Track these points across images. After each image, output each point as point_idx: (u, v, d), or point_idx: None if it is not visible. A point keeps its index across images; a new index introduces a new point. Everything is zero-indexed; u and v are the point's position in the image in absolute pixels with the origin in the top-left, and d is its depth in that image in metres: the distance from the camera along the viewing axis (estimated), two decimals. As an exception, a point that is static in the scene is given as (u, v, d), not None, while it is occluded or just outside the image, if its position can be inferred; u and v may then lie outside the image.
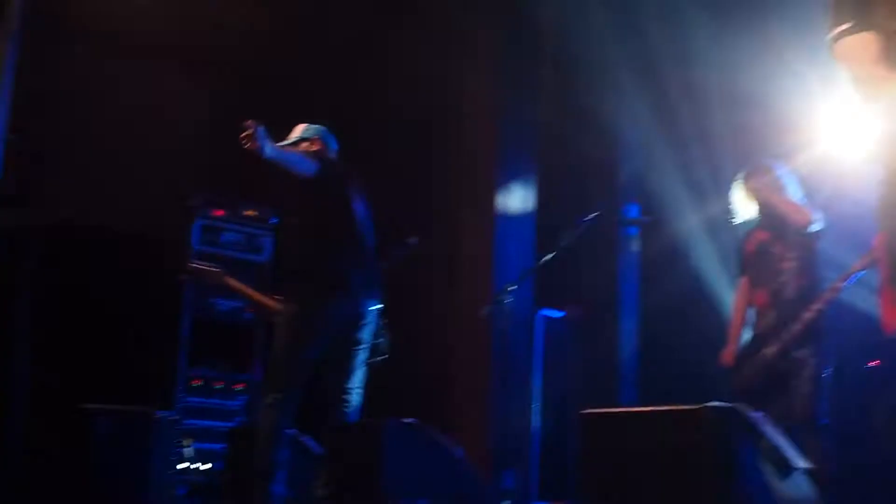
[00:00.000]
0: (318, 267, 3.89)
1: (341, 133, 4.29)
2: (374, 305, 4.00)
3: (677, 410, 2.61)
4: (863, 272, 3.93)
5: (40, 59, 4.49)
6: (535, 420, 6.19)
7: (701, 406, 2.52)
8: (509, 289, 4.50)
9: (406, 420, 3.42)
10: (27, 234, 4.96)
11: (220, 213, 5.87)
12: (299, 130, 4.21)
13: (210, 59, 6.76)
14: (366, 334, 3.99)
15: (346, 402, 3.92)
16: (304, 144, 4.14)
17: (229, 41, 6.36)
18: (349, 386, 3.95)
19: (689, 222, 6.11)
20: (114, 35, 6.03)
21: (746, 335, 4.27)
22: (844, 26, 2.49)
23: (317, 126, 4.22)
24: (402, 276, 4.73)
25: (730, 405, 2.56)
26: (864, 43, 2.48)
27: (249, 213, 5.98)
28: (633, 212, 6.61)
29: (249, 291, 4.86)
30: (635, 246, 6.67)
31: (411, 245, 4.60)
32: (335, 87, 6.57)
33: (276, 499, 3.73)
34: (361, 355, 3.98)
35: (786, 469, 2.60)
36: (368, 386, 4.07)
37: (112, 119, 6.30)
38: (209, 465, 5.51)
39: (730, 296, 4.58)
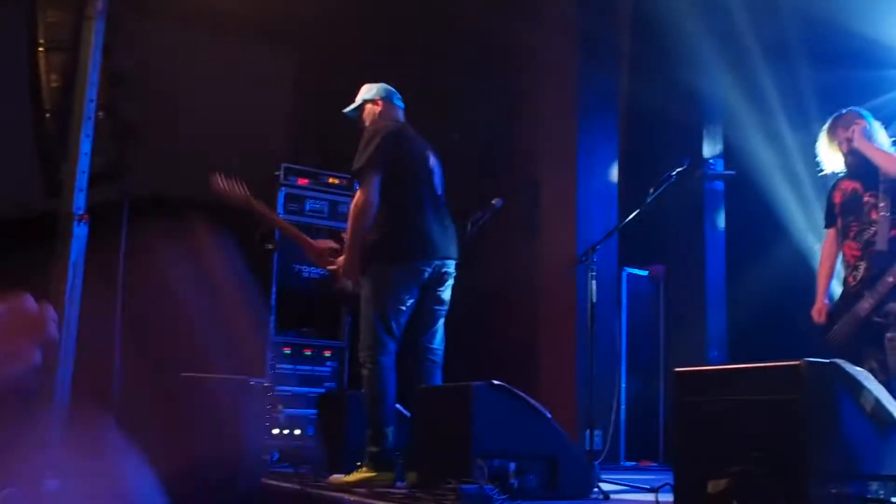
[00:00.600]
0: (396, 231, 3.91)
1: (425, 101, 4.28)
2: (453, 265, 4.02)
3: (774, 367, 2.55)
4: None
5: (127, 36, 4.59)
6: (624, 380, 6.16)
7: (800, 362, 2.47)
8: (594, 248, 4.46)
9: (494, 382, 3.43)
10: (119, 209, 5.11)
11: (304, 181, 5.96)
12: (364, 92, 4.21)
13: (294, 28, 6.81)
14: (446, 294, 4.01)
15: (431, 361, 3.96)
16: (368, 106, 4.16)
17: (312, 11, 6.39)
18: (432, 346, 3.98)
19: (774, 177, 5.96)
20: (198, 9, 6.12)
21: (836, 289, 4.16)
22: None
23: (380, 85, 4.21)
24: (487, 239, 4.74)
25: (829, 360, 2.50)
26: None
27: (333, 181, 6.05)
28: (718, 167, 6.48)
29: (278, 219, 4.73)
30: (720, 202, 6.55)
31: (496, 207, 4.60)
32: (418, 55, 6.56)
33: (385, 464, 3.80)
34: (441, 316, 4.01)
35: (888, 424, 2.54)
36: (457, 348, 4.10)
37: (198, 92, 6.43)
38: (300, 431, 5.65)
39: (817, 249, 4.47)
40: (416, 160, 4.03)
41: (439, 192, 4.10)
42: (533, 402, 3.51)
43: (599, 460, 5.27)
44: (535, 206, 6.33)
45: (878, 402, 2.51)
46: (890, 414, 2.52)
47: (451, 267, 4.01)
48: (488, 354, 5.76)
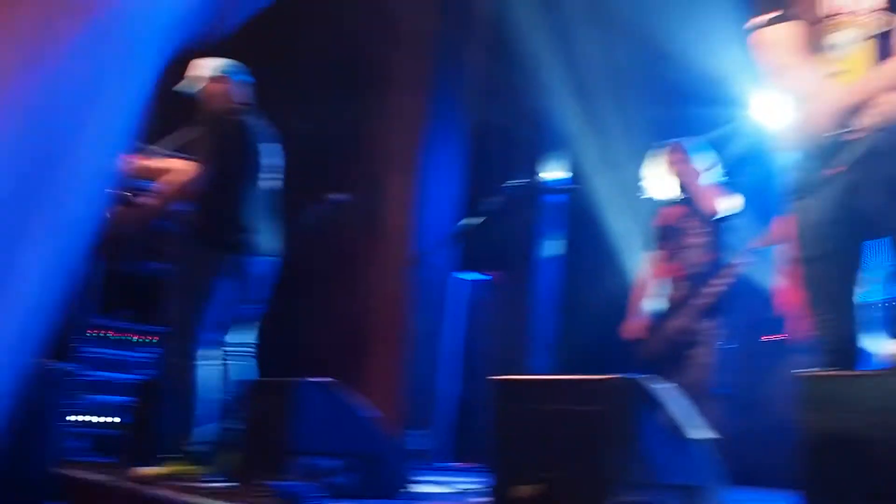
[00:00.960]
0: (222, 223, 3.82)
1: (274, 90, 4.17)
2: (276, 262, 3.95)
3: (584, 380, 2.66)
4: (764, 250, 4.10)
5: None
6: (455, 383, 6.25)
7: (606, 377, 2.58)
8: (431, 251, 4.50)
9: (319, 379, 3.40)
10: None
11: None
12: (207, 68, 4.04)
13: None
14: (260, 292, 3.93)
15: (230, 357, 3.88)
16: (211, 85, 4.01)
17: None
18: (230, 340, 3.91)
19: (609, 194, 6.23)
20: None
21: (661, 305, 4.38)
22: (772, 15, 2.55)
23: (224, 61, 4.04)
24: (325, 234, 4.68)
25: (634, 377, 2.62)
26: (790, 31, 2.54)
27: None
28: (557, 181, 6.68)
29: None
30: (559, 216, 6.76)
31: (336, 202, 4.54)
32: (269, 43, 6.40)
33: (197, 458, 3.70)
34: (249, 311, 3.93)
35: (682, 439, 2.68)
36: (288, 343, 4.04)
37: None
38: (112, 419, 5.39)
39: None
40: (256, 153, 3.93)
41: (276, 185, 4.02)
42: (357, 400, 3.50)
43: (424, 460, 5.33)
44: (376, 206, 6.31)
45: (672, 417, 2.65)
46: (682, 428, 2.67)
47: (272, 265, 3.94)
48: (318, 351, 5.69)
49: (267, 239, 3.90)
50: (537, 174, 5.51)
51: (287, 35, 6.42)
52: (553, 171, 6.32)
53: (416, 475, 3.88)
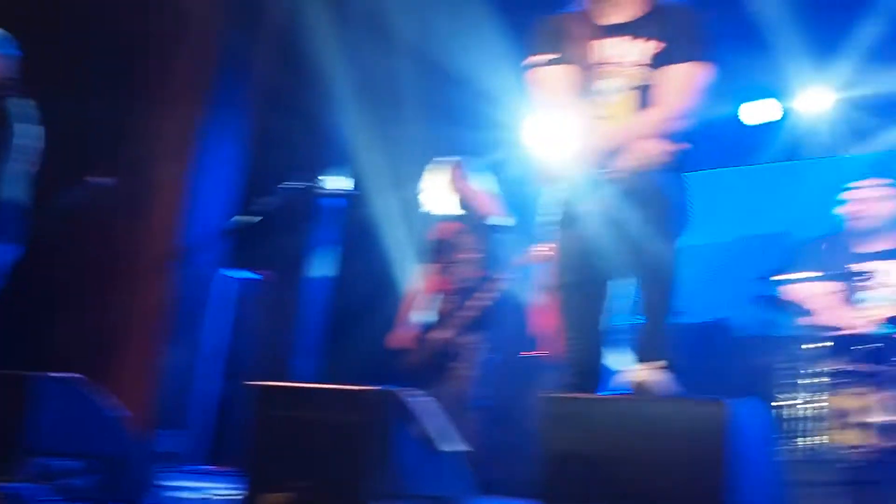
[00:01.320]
0: None
1: (38, 59, 3.88)
2: (16, 251, 3.69)
3: (341, 390, 2.69)
4: (527, 267, 4.34)
5: None
6: (215, 383, 6.07)
7: (363, 388, 2.61)
8: (198, 246, 4.37)
9: (60, 374, 3.19)
10: None
11: None
12: None
13: None
14: None
15: None
16: None
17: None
18: None
19: (387, 206, 6.33)
20: None
21: (430, 318, 4.48)
22: (549, 56, 2.71)
23: None
24: (83, 219, 4.42)
25: (390, 388, 2.66)
26: (563, 74, 2.71)
27: None
28: (336, 189, 6.69)
29: None
30: (334, 221, 6.77)
31: (98, 186, 4.28)
32: (36, 13, 5.94)
33: None
34: None
35: (435, 451, 2.76)
36: (32, 338, 3.76)
37: None
38: None
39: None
40: (12, 133, 3.65)
41: (31, 169, 3.75)
42: (103, 398, 3.32)
43: (175, 463, 5.14)
44: (142, 195, 6.03)
45: (426, 430, 2.72)
46: (434, 441, 2.75)
47: (15, 252, 3.68)
48: (67, 346, 5.33)
49: (15, 226, 3.63)
50: (316, 179, 5.50)
51: (64, 13, 6.01)
52: (333, 179, 6.33)
53: (165, 478, 3.73)
